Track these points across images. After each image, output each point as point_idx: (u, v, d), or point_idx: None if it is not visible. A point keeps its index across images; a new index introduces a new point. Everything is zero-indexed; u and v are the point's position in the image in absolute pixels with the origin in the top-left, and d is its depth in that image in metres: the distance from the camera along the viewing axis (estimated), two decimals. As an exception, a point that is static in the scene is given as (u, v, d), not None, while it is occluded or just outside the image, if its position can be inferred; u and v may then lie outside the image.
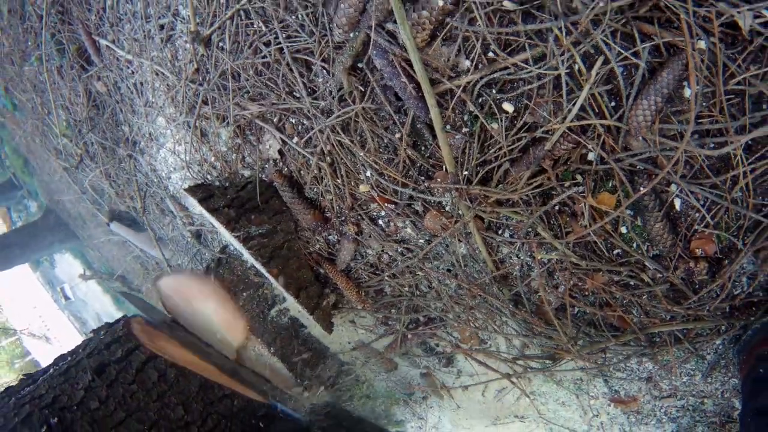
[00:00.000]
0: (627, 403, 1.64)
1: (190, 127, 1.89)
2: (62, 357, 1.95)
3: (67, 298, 7.49)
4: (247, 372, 1.91)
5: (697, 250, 1.23)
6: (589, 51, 1.09)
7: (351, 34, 1.32)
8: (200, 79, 1.76)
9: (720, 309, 1.30)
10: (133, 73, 2.14)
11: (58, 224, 5.25)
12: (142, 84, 2.15)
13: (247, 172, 1.79)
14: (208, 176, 1.98)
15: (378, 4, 1.22)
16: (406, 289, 1.69)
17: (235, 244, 1.69)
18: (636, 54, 1.06)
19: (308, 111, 1.50)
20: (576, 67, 1.10)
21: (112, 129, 2.53)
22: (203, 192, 1.78)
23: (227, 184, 1.81)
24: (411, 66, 1.23)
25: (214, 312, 1.91)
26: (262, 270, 1.60)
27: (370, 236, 1.63)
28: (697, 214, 1.19)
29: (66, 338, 11.56)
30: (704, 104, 1.06)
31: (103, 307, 7.03)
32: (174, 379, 1.74)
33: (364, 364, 2.04)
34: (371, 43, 1.27)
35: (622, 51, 1.06)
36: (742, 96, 1.04)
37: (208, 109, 1.76)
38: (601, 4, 1.01)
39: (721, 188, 1.13)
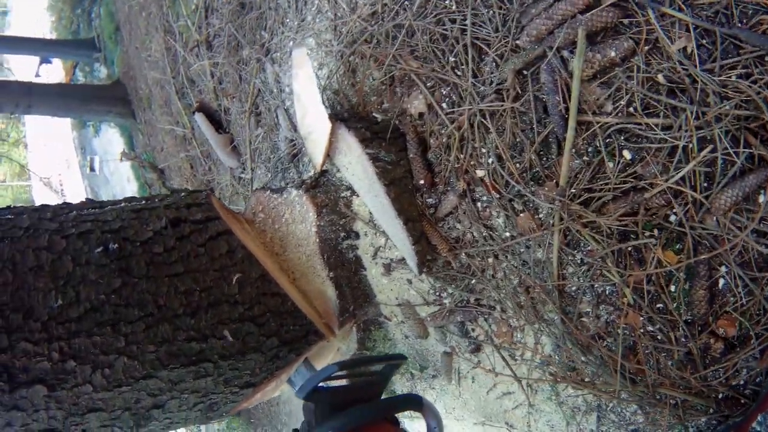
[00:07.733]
0: (610, 450, 1.77)
1: (342, 58, 2.07)
2: (134, 198, 2.05)
3: (92, 169, 7.58)
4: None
5: (720, 329, 1.44)
6: (705, 137, 1.34)
7: (532, 46, 1.56)
8: (373, 21, 1.95)
9: (716, 391, 1.48)
10: (302, -10, 2.32)
11: (122, 98, 5.42)
12: (305, 3, 2.34)
13: (379, 116, 1.95)
14: (338, 106, 2.15)
15: (566, 34, 1.47)
16: (474, 270, 1.84)
17: (354, 165, 1.85)
18: (737, 154, 1.32)
19: (464, 89, 1.69)
20: (691, 145, 1.36)
21: (251, 30, 2.71)
22: (338, 114, 1.95)
23: (358, 118, 1.98)
24: (569, 91, 1.48)
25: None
26: (380, 189, 1.75)
27: (464, 213, 1.79)
28: (732, 298, 1.41)
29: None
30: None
31: (123, 191, 7.12)
32: (240, 259, 1.87)
33: (399, 323, 2.17)
34: (546, 60, 1.51)
35: (728, 148, 1.32)
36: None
37: (367, 49, 1.95)
38: (727, 107, 1.28)
39: (758, 282, 1.36)
